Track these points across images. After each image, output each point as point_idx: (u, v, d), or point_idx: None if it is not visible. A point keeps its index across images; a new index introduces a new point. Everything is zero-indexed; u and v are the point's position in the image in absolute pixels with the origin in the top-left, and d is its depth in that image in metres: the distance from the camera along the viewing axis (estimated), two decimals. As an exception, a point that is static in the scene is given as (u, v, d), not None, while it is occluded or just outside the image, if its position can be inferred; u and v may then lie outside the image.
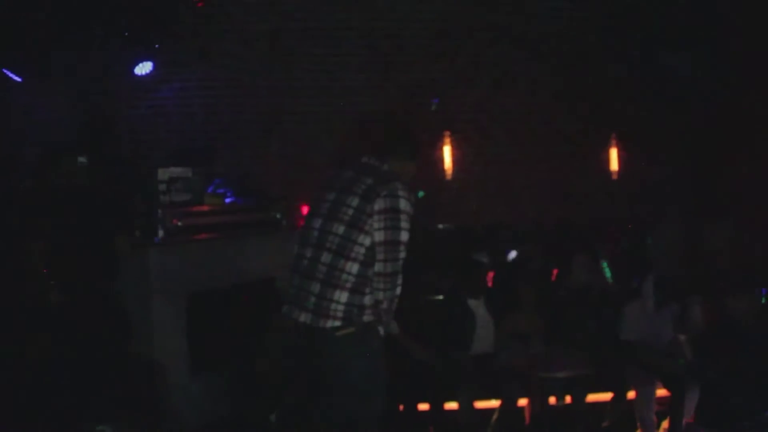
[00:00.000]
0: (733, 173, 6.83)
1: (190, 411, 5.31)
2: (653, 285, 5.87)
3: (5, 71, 6.29)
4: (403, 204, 3.63)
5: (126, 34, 6.07)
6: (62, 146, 5.25)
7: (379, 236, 3.61)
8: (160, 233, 5.30)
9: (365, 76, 7.04)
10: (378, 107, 6.91)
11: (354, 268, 3.62)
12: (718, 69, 6.79)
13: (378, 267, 3.63)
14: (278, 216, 6.21)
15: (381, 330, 3.75)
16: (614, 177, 7.14)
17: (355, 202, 3.64)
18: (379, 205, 3.61)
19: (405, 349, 5.82)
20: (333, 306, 3.63)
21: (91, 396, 4.57)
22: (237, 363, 5.50)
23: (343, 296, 3.63)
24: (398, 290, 3.69)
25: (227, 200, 6.00)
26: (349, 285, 3.63)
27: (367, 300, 3.66)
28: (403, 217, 3.63)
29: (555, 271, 7.04)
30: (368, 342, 3.70)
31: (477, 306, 6.21)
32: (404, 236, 3.63)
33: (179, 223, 5.39)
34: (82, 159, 4.90)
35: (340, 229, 3.64)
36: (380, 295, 3.68)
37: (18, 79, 6.34)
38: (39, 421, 4.18)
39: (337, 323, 3.64)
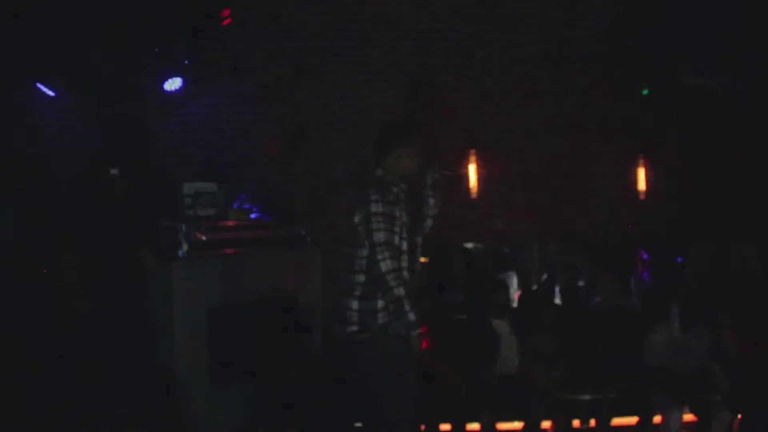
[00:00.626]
0: (762, 193, 6.69)
1: (209, 423, 5.32)
2: (680, 309, 5.77)
3: (39, 86, 6.43)
4: (374, 207, 3.78)
5: (156, 50, 6.16)
6: (98, 159, 5.34)
7: (367, 244, 3.81)
8: (185, 247, 5.33)
9: (391, 95, 7.04)
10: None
11: (360, 278, 3.86)
12: (748, 87, 6.67)
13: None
14: (303, 233, 6.23)
15: (396, 329, 3.78)
16: (642, 197, 7.01)
17: (352, 220, 3.87)
18: (358, 217, 3.83)
19: (428, 368, 5.81)
20: (348, 313, 3.87)
21: (110, 402, 4.61)
22: (257, 377, 5.49)
23: (354, 303, 3.86)
24: (397, 291, 3.73)
25: (252, 216, 6.03)
26: (357, 293, 3.86)
27: (380, 304, 3.82)
28: (374, 219, 3.77)
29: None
30: (386, 346, 3.81)
31: (502, 326, 6.18)
32: (378, 237, 3.76)
33: (203, 238, 5.42)
34: (114, 171, 4.99)
35: (349, 249, 3.91)
36: (386, 297, 3.78)
37: (52, 93, 6.47)
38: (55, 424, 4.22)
39: (354, 328, 3.87)
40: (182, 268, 5.31)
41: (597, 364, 5.84)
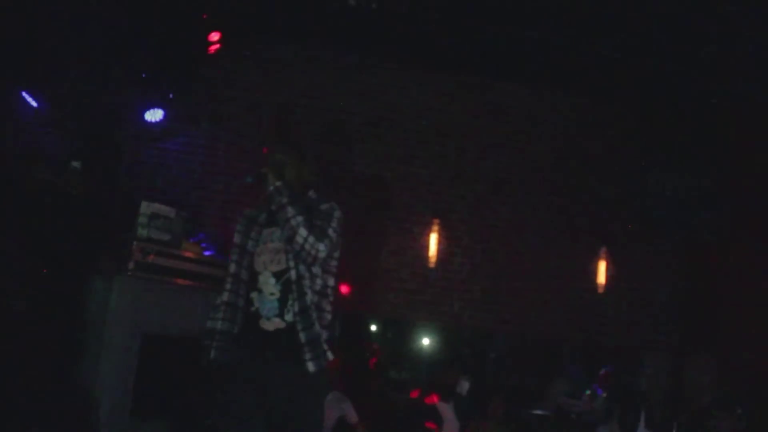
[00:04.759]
0: (721, 306, 6.66)
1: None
2: (621, 412, 5.62)
3: (24, 94, 6.33)
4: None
5: (143, 75, 6.17)
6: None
7: None
8: (131, 266, 5.15)
9: (366, 163, 7.06)
10: (374, 197, 6.93)
11: None
12: (712, 199, 6.77)
13: None
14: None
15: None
16: (600, 291, 6.92)
17: None
18: None
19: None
20: None
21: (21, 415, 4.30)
22: (179, 415, 5.17)
23: None
24: (219, 296, 3.57)
25: (206, 253, 5.87)
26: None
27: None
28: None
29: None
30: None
31: (446, 410, 6.05)
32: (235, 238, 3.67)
33: (152, 260, 5.25)
34: (75, 164, 4.80)
35: None
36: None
37: (35, 104, 6.37)
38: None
39: None
40: (124, 286, 5.12)
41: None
